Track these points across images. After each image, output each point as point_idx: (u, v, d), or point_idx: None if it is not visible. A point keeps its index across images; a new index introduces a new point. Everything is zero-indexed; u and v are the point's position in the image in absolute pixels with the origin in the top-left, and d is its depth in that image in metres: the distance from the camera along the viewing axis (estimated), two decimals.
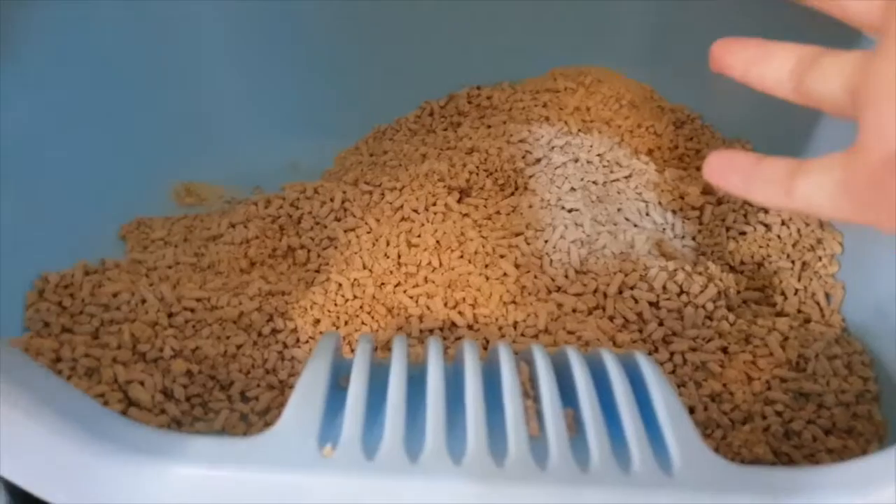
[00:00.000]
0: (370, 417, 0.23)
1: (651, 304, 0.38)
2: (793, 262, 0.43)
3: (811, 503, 0.21)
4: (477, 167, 0.46)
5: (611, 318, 0.38)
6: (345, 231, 0.43)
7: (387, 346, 0.36)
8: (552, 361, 0.26)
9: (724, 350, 0.37)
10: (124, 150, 0.45)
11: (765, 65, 0.20)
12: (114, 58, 0.45)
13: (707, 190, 0.47)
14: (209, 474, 0.20)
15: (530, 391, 0.25)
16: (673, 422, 0.23)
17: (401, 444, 0.21)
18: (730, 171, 0.21)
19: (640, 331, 0.38)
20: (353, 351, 0.32)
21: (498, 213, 0.44)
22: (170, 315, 0.37)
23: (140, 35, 0.46)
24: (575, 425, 0.24)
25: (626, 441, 0.23)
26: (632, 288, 0.38)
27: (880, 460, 0.22)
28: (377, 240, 0.42)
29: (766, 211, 0.45)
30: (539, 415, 0.24)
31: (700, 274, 0.39)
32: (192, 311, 0.37)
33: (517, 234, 0.42)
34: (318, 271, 0.41)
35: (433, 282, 0.39)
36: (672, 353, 0.37)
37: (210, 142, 0.51)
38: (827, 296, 0.42)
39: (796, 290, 0.42)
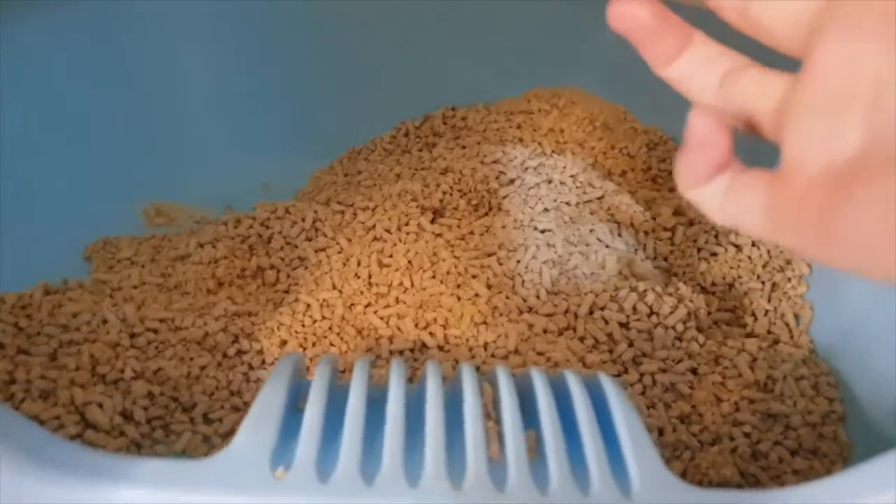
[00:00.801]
0: (328, 440, 0.22)
1: (621, 324, 0.38)
2: (763, 282, 0.43)
3: None
4: (451, 187, 0.46)
5: (581, 339, 0.38)
6: (315, 251, 0.42)
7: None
8: (517, 383, 0.25)
9: (694, 371, 0.37)
10: (92, 168, 0.45)
11: (696, 67, 0.19)
12: (82, 76, 0.44)
13: (679, 211, 0.47)
14: (157, 498, 0.20)
15: (492, 413, 0.24)
16: (634, 444, 0.23)
17: (356, 467, 0.21)
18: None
19: (611, 351, 0.37)
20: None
21: (471, 233, 0.44)
22: (132, 336, 0.36)
23: (110, 53, 0.46)
24: (536, 447, 0.23)
25: (587, 463, 0.22)
26: (602, 308, 0.38)
27: (843, 481, 0.22)
28: (348, 260, 0.41)
29: (736, 233, 0.45)
30: (500, 437, 0.23)
31: (670, 295, 0.39)
32: (156, 331, 0.36)
33: (490, 255, 0.42)
34: (286, 292, 0.41)
35: (404, 302, 0.39)
36: (642, 375, 0.36)
37: (181, 161, 0.50)
38: (796, 317, 0.42)
39: (766, 311, 0.42)
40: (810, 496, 0.21)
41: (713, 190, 0.18)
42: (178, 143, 0.51)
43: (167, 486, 0.20)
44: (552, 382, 0.26)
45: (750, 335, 0.41)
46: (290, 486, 0.20)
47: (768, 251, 0.44)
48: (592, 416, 0.24)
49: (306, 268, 0.42)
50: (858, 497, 0.21)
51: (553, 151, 0.50)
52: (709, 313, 0.41)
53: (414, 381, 0.34)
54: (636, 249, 0.44)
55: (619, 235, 0.45)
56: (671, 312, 0.38)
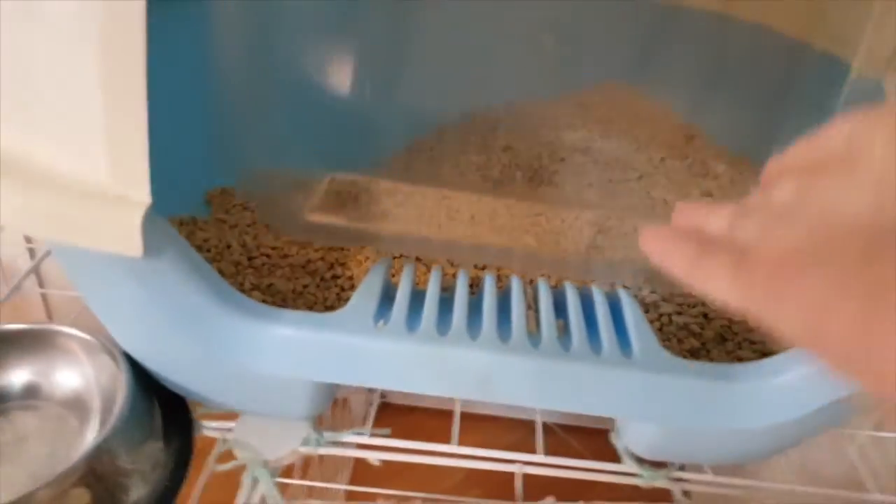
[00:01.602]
0: (413, 312, 0.31)
1: (645, 277, 0.45)
2: None
3: (731, 384, 0.28)
4: (510, 161, 0.55)
5: (611, 284, 0.45)
6: (395, 206, 0.51)
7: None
8: (555, 293, 0.34)
9: (705, 315, 0.44)
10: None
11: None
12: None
13: (706, 193, 0.54)
14: (299, 335, 0.29)
15: (532, 305, 0.32)
16: (637, 329, 0.31)
17: (433, 325, 0.29)
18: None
19: (636, 296, 0.45)
20: None
21: (525, 199, 0.52)
22: (250, 258, 0.45)
23: None
24: (563, 332, 0.32)
25: (601, 338, 0.30)
26: (632, 260, 0.46)
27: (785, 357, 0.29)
28: (422, 214, 0.50)
29: None
30: (537, 320, 0.31)
31: None
32: (268, 256, 0.45)
33: (538, 215, 0.50)
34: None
35: (463, 246, 0.47)
36: (660, 315, 0.44)
37: (288, 131, 0.59)
38: None
39: None
40: (765, 369, 0.29)
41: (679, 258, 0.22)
42: (285, 115, 0.60)
43: (306, 326, 0.29)
44: (581, 292, 0.34)
45: None
46: (388, 333, 0.29)
47: None
48: (607, 307, 0.32)
49: (387, 218, 0.51)
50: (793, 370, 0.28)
51: (601, 137, 0.58)
52: None
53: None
54: (667, 223, 0.52)
55: (654, 211, 0.52)
56: None
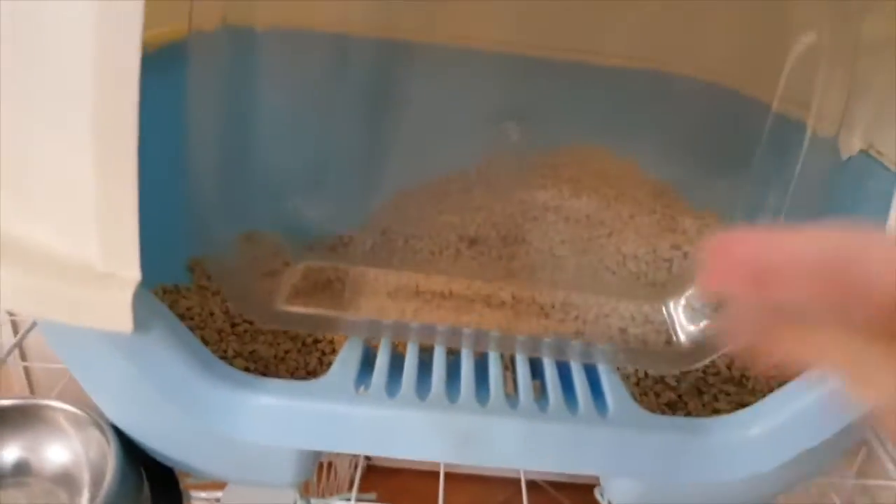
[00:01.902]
0: (393, 377, 0.32)
1: (621, 329, 0.47)
2: None
3: (705, 437, 0.29)
4: (484, 220, 0.56)
5: (586, 345, 0.47)
6: (370, 290, 0.52)
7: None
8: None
9: None
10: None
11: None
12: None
13: (675, 246, 0.56)
14: (280, 402, 0.29)
15: (509, 367, 0.34)
16: (611, 386, 0.32)
17: (413, 390, 0.30)
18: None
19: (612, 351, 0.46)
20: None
21: (500, 257, 0.54)
22: (232, 325, 0.46)
23: None
24: (540, 393, 0.33)
25: (577, 397, 0.31)
26: (606, 316, 0.47)
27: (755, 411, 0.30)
28: (400, 275, 0.51)
29: None
30: (515, 382, 0.33)
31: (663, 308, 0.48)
32: (250, 322, 0.46)
33: (513, 274, 0.52)
34: (355, 296, 0.50)
35: (444, 308, 0.48)
36: (636, 369, 0.45)
37: (267, 199, 0.61)
38: None
39: None
40: (738, 421, 0.30)
41: None
42: (263, 181, 0.61)
43: (288, 394, 0.29)
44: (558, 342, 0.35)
45: None
46: (369, 399, 0.30)
47: None
48: (582, 370, 0.33)
49: (366, 281, 0.52)
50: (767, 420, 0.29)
51: (571, 195, 0.60)
52: None
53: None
54: (638, 276, 0.54)
55: (624, 264, 0.54)
56: (684, 306, 0.47)
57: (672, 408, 0.44)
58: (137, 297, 0.26)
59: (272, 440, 0.29)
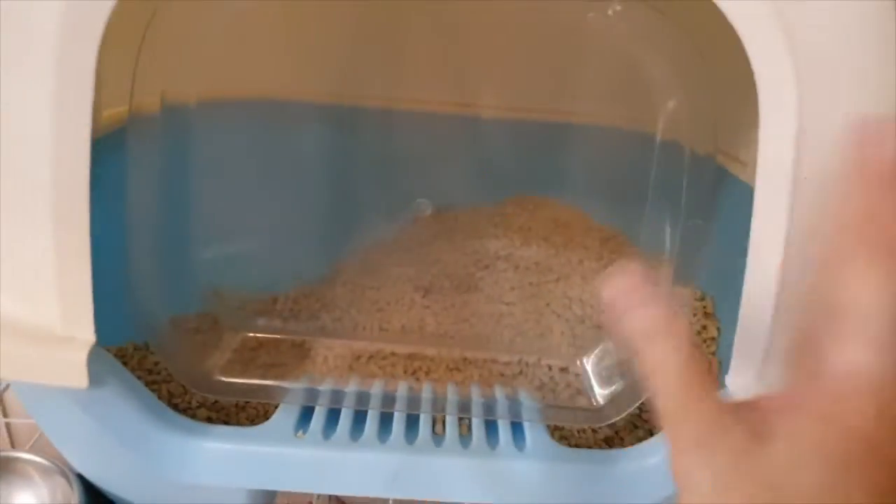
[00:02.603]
0: (330, 422, 0.35)
1: (561, 369, 0.50)
2: None
3: (612, 467, 0.33)
4: (439, 272, 0.60)
5: (530, 381, 0.50)
6: (332, 320, 0.56)
7: None
8: (464, 397, 0.38)
9: None
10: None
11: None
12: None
13: None
14: (225, 447, 0.33)
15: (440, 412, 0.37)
16: (531, 424, 0.35)
17: (347, 433, 0.34)
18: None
19: (553, 390, 0.49)
20: None
21: (453, 305, 0.57)
22: None
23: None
24: (467, 431, 0.36)
25: (499, 435, 0.35)
26: (548, 358, 0.51)
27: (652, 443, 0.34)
28: (356, 326, 0.54)
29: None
30: (443, 423, 0.36)
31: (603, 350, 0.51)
32: None
33: (465, 321, 0.55)
34: (310, 349, 0.54)
35: (397, 354, 0.52)
36: (576, 406, 0.48)
37: (231, 254, 0.64)
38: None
39: None
40: (639, 452, 0.33)
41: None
42: (228, 239, 0.65)
43: (233, 439, 0.33)
44: (487, 395, 0.38)
45: None
46: (306, 442, 0.33)
47: (689, 321, 0.57)
48: (506, 409, 0.36)
49: (325, 332, 0.55)
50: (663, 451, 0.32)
51: (522, 244, 0.64)
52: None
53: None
54: (583, 319, 0.57)
55: (570, 308, 0.58)
56: (601, 361, 0.50)
57: (609, 443, 0.47)
58: (93, 357, 0.29)
59: (220, 481, 0.32)
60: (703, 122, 0.47)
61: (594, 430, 0.47)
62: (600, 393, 0.46)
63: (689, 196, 0.46)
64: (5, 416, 0.65)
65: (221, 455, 0.32)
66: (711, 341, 0.55)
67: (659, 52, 0.40)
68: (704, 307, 0.58)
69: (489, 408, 0.37)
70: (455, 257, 0.61)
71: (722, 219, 0.51)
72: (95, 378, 0.29)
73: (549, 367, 0.50)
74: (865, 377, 0.19)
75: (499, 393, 0.39)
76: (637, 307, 0.23)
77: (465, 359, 0.51)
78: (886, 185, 0.20)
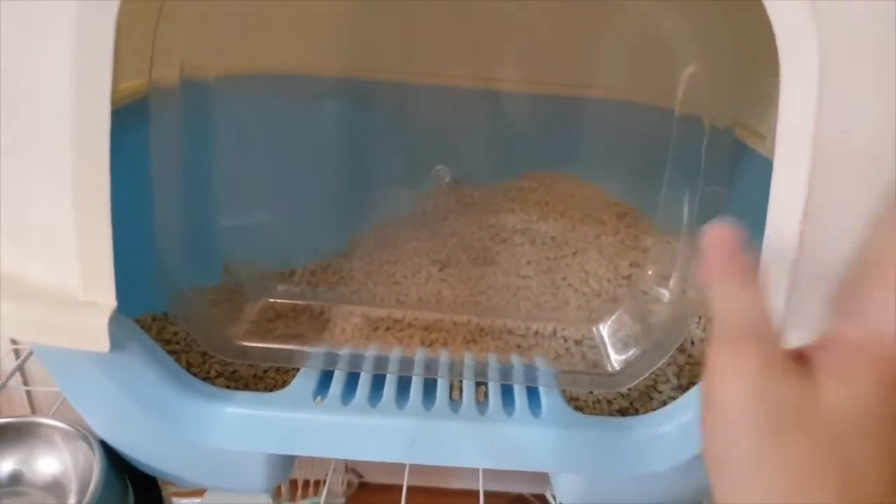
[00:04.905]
0: (349, 388, 0.35)
1: (577, 342, 0.50)
2: (699, 317, 0.55)
3: (626, 434, 0.33)
4: (455, 245, 0.60)
5: (546, 352, 0.50)
6: (350, 292, 0.56)
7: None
8: (481, 364, 0.38)
9: None
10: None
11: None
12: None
13: (634, 264, 0.60)
14: (244, 412, 0.33)
15: (456, 378, 0.37)
16: (547, 391, 0.35)
17: (366, 399, 0.34)
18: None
19: (568, 362, 0.50)
20: None
21: (469, 279, 0.57)
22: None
23: None
24: (484, 398, 0.36)
25: (515, 402, 0.35)
26: (563, 330, 0.51)
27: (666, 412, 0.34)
28: (374, 298, 0.55)
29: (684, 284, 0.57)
30: (460, 389, 0.36)
31: (620, 322, 0.51)
32: None
33: (481, 293, 0.55)
34: (328, 320, 0.54)
35: (414, 326, 0.52)
36: (589, 401, 0.48)
37: (248, 229, 0.64)
38: None
39: (701, 339, 0.54)
40: (653, 420, 0.33)
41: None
42: (247, 212, 0.65)
43: (253, 404, 0.33)
44: (503, 362, 0.39)
45: (682, 352, 0.52)
46: (325, 407, 0.33)
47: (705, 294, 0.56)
48: (522, 377, 0.36)
49: (342, 302, 0.55)
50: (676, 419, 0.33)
51: (538, 219, 0.63)
52: None
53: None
54: (599, 293, 0.57)
55: (587, 282, 0.58)
56: (616, 331, 0.50)
57: (623, 414, 0.47)
58: (114, 322, 0.30)
59: (238, 446, 0.33)
60: (723, 95, 0.47)
61: (609, 402, 0.48)
62: (616, 359, 0.46)
63: (707, 169, 0.46)
64: (26, 384, 0.66)
65: (241, 420, 0.33)
66: None
67: (681, 20, 0.40)
68: None
69: (505, 373, 0.37)
70: (472, 231, 0.61)
71: (738, 191, 0.50)
72: (117, 343, 0.30)
73: (565, 339, 0.50)
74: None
75: (515, 360, 0.39)
76: (724, 250, 0.25)
77: (481, 330, 0.51)
78: None
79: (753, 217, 0.32)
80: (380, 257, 0.59)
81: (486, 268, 0.58)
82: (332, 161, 0.68)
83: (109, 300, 0.30)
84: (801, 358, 0.23)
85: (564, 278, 0.57)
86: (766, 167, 0.31)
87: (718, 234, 0.25)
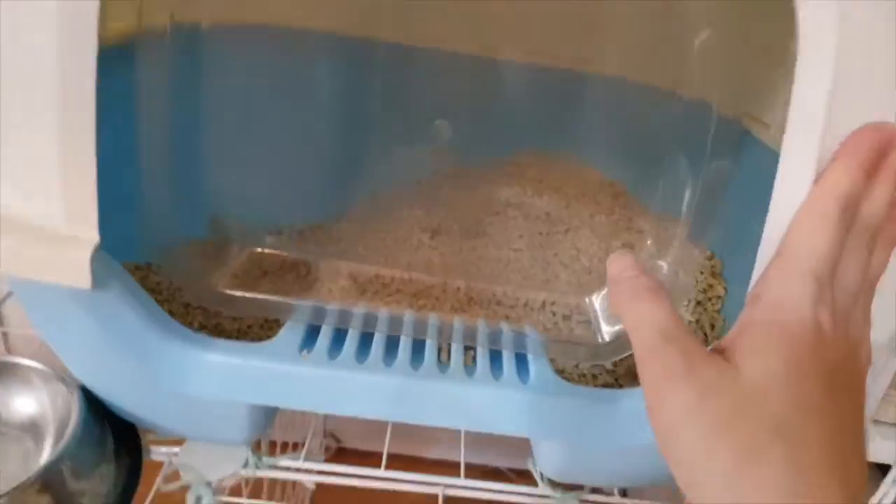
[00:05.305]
0: (336, 343, 0.35)
1: (565, 316, 0.50)
2: (688, 300, 0.55)
3: (612, 405, 0.32)
4: (447, 215, 0.59)
5: (534, 325, 0.50)
6: (338, 251, 0.55)
7: None
8: (470, 330, 0.38)
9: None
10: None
11: None
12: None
13: (626, 244, 0.59)
14: (227, 360, 0.32)
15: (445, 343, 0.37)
16: (536, 359, 0.35)
17: (353, 355, 0.33)
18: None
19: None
20: None
21: (460, 249, 0.57)
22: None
23: None
24: (472, 362, 0.36)
25: (503, 367, 0.34)
26: (553, 304, 0.50)
27: None
28: (361, 261, 0.54)
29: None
30: (449, 353, 0.36)
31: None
32: None
33: (471, 263, 0.55)
34: (316, 280, 0.53)
35: (402, 292, 0.51)
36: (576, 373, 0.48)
37: (251, 185, 0.63)
38: (711, 326, 0.53)
39: (689, 321, 0.54)
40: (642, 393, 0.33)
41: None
42: (235, 167, 0.64)
43: (236, 353, 0.32)
44: (493, 329, 0.38)
45: None
46: (310, 361, 0.33)
47: (695, 278, 0.56)
48: (512, 345, 0.36)
49: (331, 266, 0.55)
50: None
51: (533, 194, 0.63)
52: None
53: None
54: (590, 271, 0.57)
55: (578, 259, 0.57)
56: (608, 304, 0.50)
57: (607, 387, 0.47)
58: (99, 260, 0.29)
59: (221, 395, 0.32)
60: (732, 79, 0.46)
61: (594, 376, 0.47)
62: (607, 330, 0.45)
63: (710, 156, 0.45)
64: (1, 325, 0.65)
65: (224, 368, 0.32)
66: (717, 300, 0.54)
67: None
68: (713, 267, 0.58)
69: (494, 339, 0.37)
70: (465, 203, 0.60)
71: (739, 180, 0.50)
72: (100, 281, 0.29)
73: (554, 314, 0.50)
74: (795, 299, 0.24)
75: (504, 326, 0.38)
76: (629, 277, 0.28)
77: (470, 299, 0.51)
78: (866, 170, 0.26)
79: (752, 207, 0.31)
80: (371, 221, 0.58)
81: (478, 239, 0.57)
82: (325, 119, 0.67)
83: (92, 235, 0.29)
84: (720, 352, 0.25)
85: (556, 255, 0.57)
86: (768, 157, 0.31)
87: (621, 262, 0.29)
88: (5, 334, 0.64)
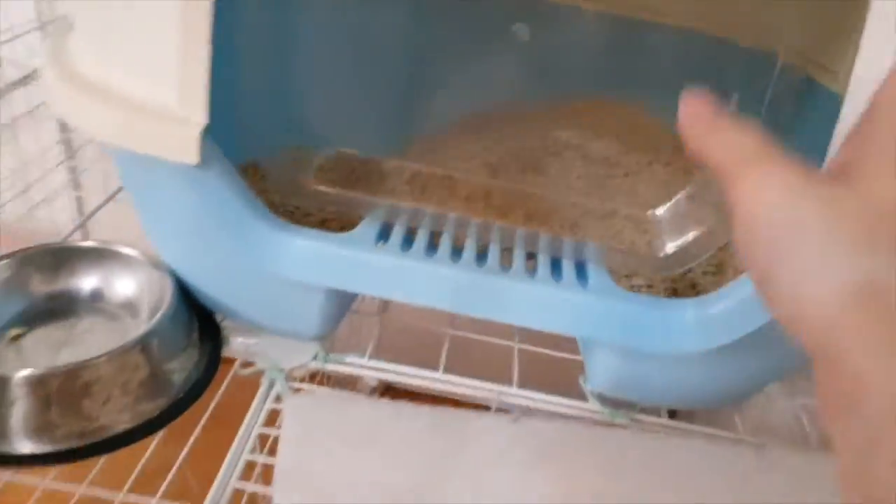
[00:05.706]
0: (407, 240, 0.37)
1: (620, 251, 0.52)
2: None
3: (669, 312, 0.34)
4: (506, 153, 0.61)
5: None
6: (404, 181, 0.58)
7: None
8: (531, 242, 0.40)
9: (675, 291, 0.50)
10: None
11: None
12: None
13: (689, 195, 0.61)
14: (311, 245, 0.35)
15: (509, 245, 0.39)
16: (596, 269, 0.37)
17: (423, 249, 0.36)
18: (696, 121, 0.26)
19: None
20: None
21: (518, 185, 0.59)
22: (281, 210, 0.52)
23: None
24: (533, 268, 0.38)
25: (563, 272, 0.37)
26: (614, 215, 0.52)
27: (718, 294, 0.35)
28: (424, 189, 0.56)
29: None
30: (511, 258, 0.38)
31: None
32: (292, 213, 0.52)
33: (530, 197, 0.57)
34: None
35: (469, 199, 0.54)
36: (631, 286, 0.50)
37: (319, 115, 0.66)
38: None
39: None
40: (700, 302, 0.35)
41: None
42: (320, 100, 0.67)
43: (321, 240, 0.35)
44: (554, 243, 0.40)
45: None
46: (386, 249, 0.35)
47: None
48: (572, 255, 0.38)
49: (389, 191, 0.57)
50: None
51: (593, 137, 0.64)
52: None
53: None
54: (645, 209, 0.58)
55: (636, 202, 0.59)
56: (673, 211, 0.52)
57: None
58: (204, 142, 0.32)
59: (304, 276, 0.35)
60: (798, 29, 0.47)
61: (650, 287, 0.49)
62: (670, 244, 0.47)
63: (774, 104, 0.46)
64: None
65: (309, 251, 0.35)
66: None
67: None
68: None
69: (555, 246, 0.39)
70: (524, 142, 0.62)
71: (803, 127, 0.51)
72: (204, 160, 0.32)
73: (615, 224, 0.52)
74: None
75: (566, 239, 0.41)
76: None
77: (531, 216, 0.53)
78: None
79: (816, 156, 0.32)
80: (432, 153, 0.60)
81: (537, 176, 0.59)
82: (401, 57, 0.69)
83: (202, 118, 0.32)
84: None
85: (614, 197, 0.58)
86: (833, 103, 0.31)
87: (692, 103, 0.26)
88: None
